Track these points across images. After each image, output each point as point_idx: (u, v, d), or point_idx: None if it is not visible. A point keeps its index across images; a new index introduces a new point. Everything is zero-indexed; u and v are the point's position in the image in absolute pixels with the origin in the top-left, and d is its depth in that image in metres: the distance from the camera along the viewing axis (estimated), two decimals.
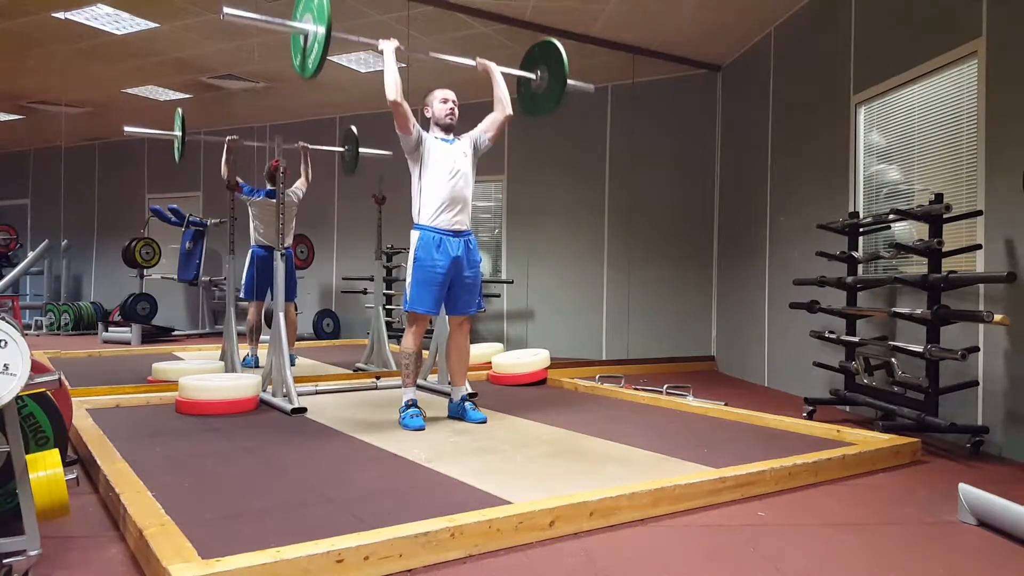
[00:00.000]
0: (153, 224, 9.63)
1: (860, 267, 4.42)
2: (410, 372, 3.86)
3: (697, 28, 6.06)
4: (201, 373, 4.72)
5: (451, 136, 3.92)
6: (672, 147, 7.32)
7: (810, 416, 4.15)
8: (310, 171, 5.92)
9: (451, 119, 3.90)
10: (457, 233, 3.83)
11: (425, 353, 4.72)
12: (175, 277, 9.28)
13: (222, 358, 5.48)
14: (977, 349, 3.46)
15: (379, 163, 6.02)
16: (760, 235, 5.93)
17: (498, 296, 8.11)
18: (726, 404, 4.34)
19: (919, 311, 3.56)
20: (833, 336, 4.35)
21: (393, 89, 3.60)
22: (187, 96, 8.43)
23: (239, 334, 5.43)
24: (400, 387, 3.94)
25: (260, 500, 2.49)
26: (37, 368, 1.94)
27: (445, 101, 3.91)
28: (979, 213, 3.51)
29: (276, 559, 1.79)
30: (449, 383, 4.11)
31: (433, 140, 3.84)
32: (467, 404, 3.97)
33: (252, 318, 5.92)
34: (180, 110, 5.35)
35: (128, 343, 8.32)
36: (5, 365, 1.74)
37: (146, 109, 8.95)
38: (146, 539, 1.94)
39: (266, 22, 3.53)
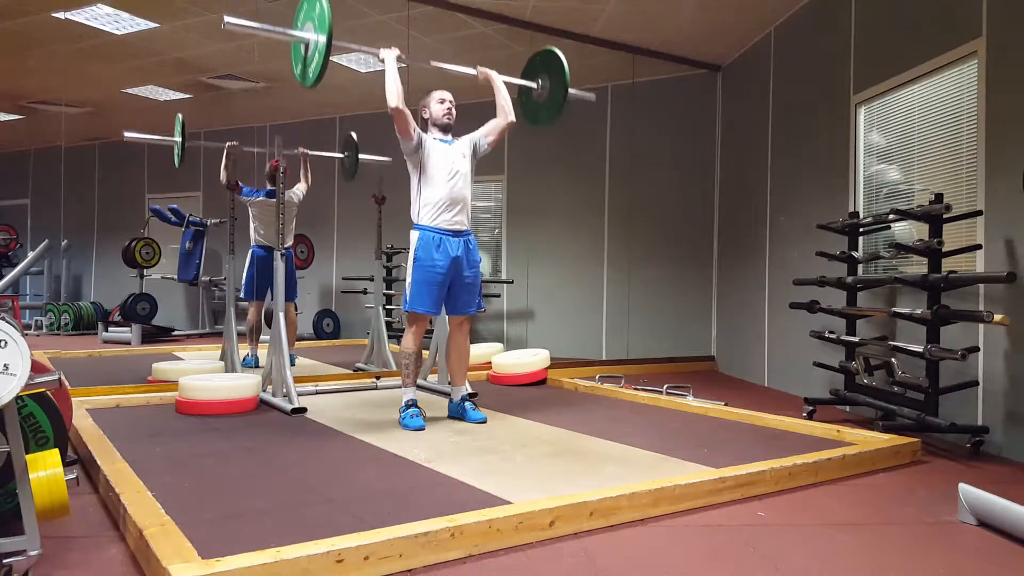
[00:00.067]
0: (153, 224, 9.63)
1: (860, 267, 4.42)
2: (410, 372, 3.86)
3: (697, 28, 6.06)
4: (201, 373, 4.72)
5: (450, 137, 3.94)
6: (672, 147, 7.32)
7: (810, 416, 4.15)
8: (310, 176, 5.93)
9: (449, 119, 3.92)
10: (457, 233, 3.84)
11: (425, 353, 4.72)
12: (175, 277, 9.28)
13: (222, 358, 5.49)
14: (977, 349, 3.46)
15: (379, 164, 6.02)
16: (760, 235, 5.93)
17: (498, 296, 8.11)
18: (726, 404, 4.34)
19: (919, 311, 3.56)
20: (833, 336, 4.36)
21: (395, 96, 3.62)
22: (187, 96, 8.43)
23: (239, 334, 5.43)
24: (400, 387, 3.94)
25: (260, 500, 2.49)
26: (37, 368, 1.94)
27: (442, 102, 3.92)
28: (979, 213, 3.51)
29: (276, 559, 1.79)
30: (449, 383, 4.11)
31: (432, 141, 3.85)
32: (467, 404, 3.97)
33: (252, 318, 5.92)
34: (180, 116, 5.35)
35: (128, 343, 8.32)
36: (5, 365, 1.74)
37: (146, 109, 8.95)
38: (146, 539, 1.94)
39: (267, 31, 3.53)
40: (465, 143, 3.95)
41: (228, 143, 5.40)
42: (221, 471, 2.89)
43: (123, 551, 2.11)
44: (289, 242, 5.65)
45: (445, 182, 3.80)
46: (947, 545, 2.27)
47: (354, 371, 5.87)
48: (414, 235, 3.82)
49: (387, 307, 7.84)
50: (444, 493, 2.60)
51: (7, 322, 1.80)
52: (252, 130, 9.63)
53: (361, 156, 5.91)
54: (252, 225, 5.81)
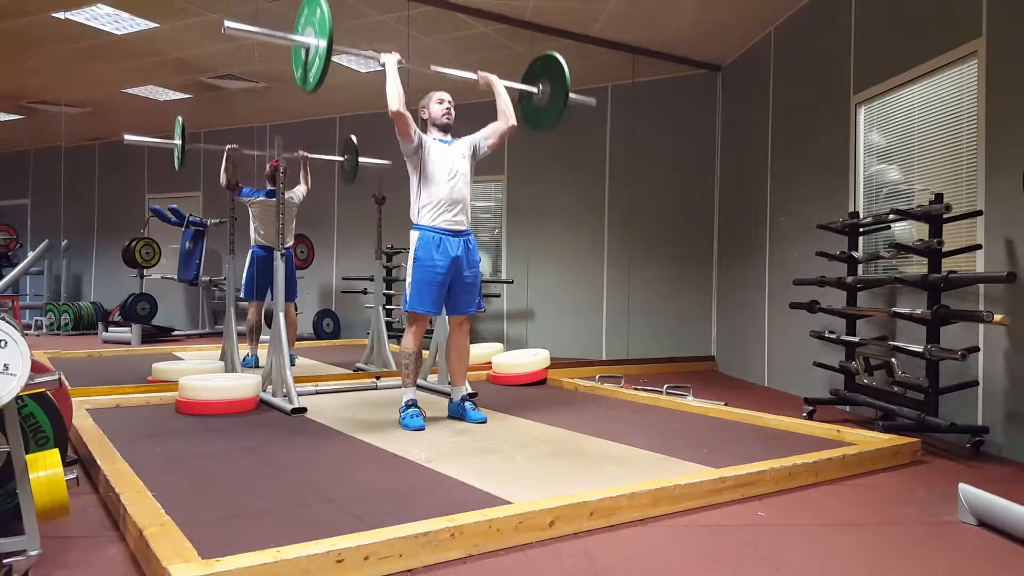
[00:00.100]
0: (153, 224, 9.63)
1: (860, 267, 4.42)
2: (410, 372, 3.86)
3: (697, 28, 6.06)
4: (201, 373, 4.72)
5: (449, 137, 3.95)
6: (672, 147, 7.32)
7: (810, 416, 4.15)
8: (310, 179, 5.94)
9: (448, 119, 3.93)
10: (456, 233, 3.84)
11: (425, 353, 4.72)
12: (175, 277, 9.28)
13: (222, 358, 5.49)
14: (977, 349, 3.46)
15: (379, 167, 6.02)
16: (760, 235, 5.93)
17: (498, 296, 8.11)
18: (726, 404, 4.34)
19: (919, 311, 3.56)
20: (833, 336, 4.36)
21: (395, 100, 3.63)
22: (187, 96, 8.43)
23: (239, 334, 5.43)
24: (400, 387, 3.94)
25: (260, 500, 2.49)
26: (37, 368, 1.94)
27: (441, 102, 3.94)
28: (979, 213, 3.51)
29: (276, 559, 1.79)
30: (449, 383, 4.11)
31: (432, 142, 3.85)
32: (467, 404, 3.97)
33: (252, 318, 5.93)
34: (180, 119, 5.35)
35: (128, 343, 8.32)
36: (5, 365, 1.74)
37: (146, 109, 8.95)
38: (146, 539, 1.94)
39: (268, 35, 3.54)
40: (465, 144, 3.96)
41: (228, 146, 5.41)
42: (221, 471, 2.89)
43: (123, 551, 2.12)
44: (289, 242, 5.65)
45: (445, 182, 3.80)
46: (947, 545, 2.27)
47: (354, 371, 5.87)
48: (414, 235, 3.83)
49: (387, 307, 7.84)
50: (444, 493, 2.60)
51: (7, 322, 1.80)
52: (252, 130, 9.63)
53: (361, 160, 5.92)
54: (252, 225, 5.82)
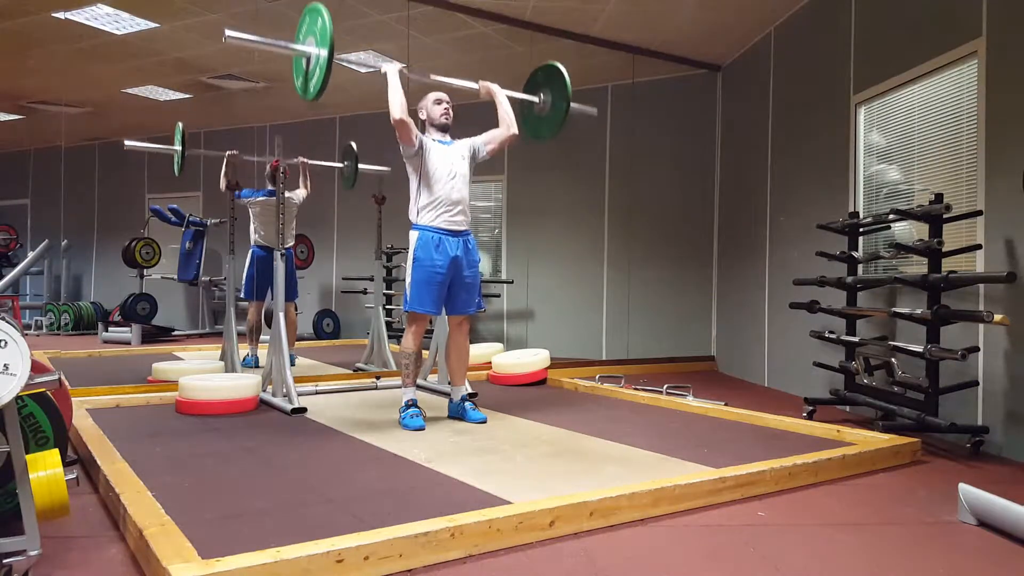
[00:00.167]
0: (153, 224, 9.63)
1: (860, 267, 4.42)
2: (410, 372, 3.87)
3: (697, 28, 6.06)
4: (201, 373, 4.72)
5: (448, 137, 3.95)
6: (672, 147, 7.32)
7: (810, 416, 4.15)
8: (309, 184, 5.95)
9: (446, 119, 3.94)
10: (456, 233, 3.84)
11: (425, 353, 4.72)
12: (175, 277, 9.28)
13: (222, 358, 5.49)
14: (977, 349, 3.46)
15: (379, 161, 6.02)
16: (760, 235, 5.93)
17: (498, 296, 8.11)
18: (726, 404, 4.34)
19: (919, 311, 3.56)
20: (833, 336, 4.36)
21: (398, 109, 3.65)
22: (187, 96, 8.43)
23: (239, 334, 5.43)
24: (400, 387, 3.95)
25: (260, 500, 2.49)
26: (37, 368, 1.94)
27: (439, 103, 3.95)
28: (979, 213, 3.51)
29: (276, 559, 1.79)
30: (449, 383, 4.11)
31: (431, 143, 3.86)
32: (467, 404, 3.97)
33: (252, 318, 5.93)
34: (180, 125, 5.35)
35: (128, 343, 8.32)
36: (5, 365, 1.74)
37: (146, 109, 8.95)
38: (146, 539, 1.94)
39: (269, 45, 3.54)
40: (464, 146, 3.97)
41: (228, 152, 5.43)
42: (221, 471, 2.89)
43: (123, 551, 2.12)
44: (289, 242, 5.65)
45: (444, 183, 3.80)
46: (947, 545, 2.27)
47: (354, 371, 5.87)
48: (413, 235, 3.83)
49: (387, 307, 7.84)
50: (444, 493, 2.60)
51: (7, 322, 1.80)
52: (252, 130, 9.63)
53: (361, 166, 5.92)
54: (252, 225, 5.82)
